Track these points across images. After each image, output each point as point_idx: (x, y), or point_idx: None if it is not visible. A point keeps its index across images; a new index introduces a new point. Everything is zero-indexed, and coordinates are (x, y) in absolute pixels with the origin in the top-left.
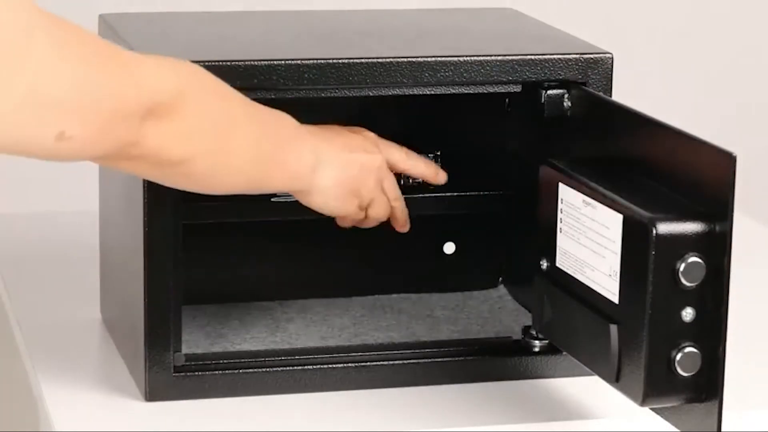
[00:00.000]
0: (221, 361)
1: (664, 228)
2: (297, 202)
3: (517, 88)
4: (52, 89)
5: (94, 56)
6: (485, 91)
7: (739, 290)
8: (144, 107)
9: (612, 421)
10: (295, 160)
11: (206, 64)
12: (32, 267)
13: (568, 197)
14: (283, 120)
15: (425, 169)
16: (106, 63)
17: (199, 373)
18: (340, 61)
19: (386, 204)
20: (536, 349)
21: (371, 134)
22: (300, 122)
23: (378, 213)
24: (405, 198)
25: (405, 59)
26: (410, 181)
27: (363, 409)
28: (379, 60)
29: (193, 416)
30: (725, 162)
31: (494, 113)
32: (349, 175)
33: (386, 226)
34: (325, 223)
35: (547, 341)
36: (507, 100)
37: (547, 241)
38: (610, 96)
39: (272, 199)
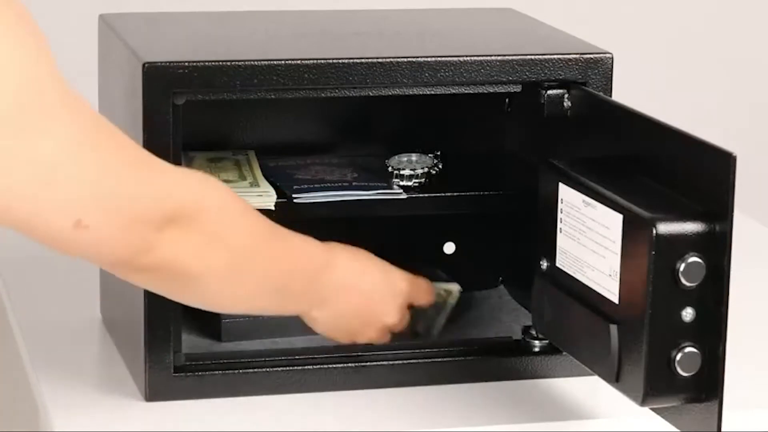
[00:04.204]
0: (221, 361)
1: (664, 228)
2: (298, 204)
3: (517, 88)
4: (73, 173)
5: (118, 151)
6: (485, 91)
7: (739, 290)
8: (164, 215)
9: (612, 421)
10: (303, 294)
11: (206, 64)
12: (32, 267)
13: (568, 197)
14: (304, 251)
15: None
16: (131, 161)
17: (199, 373)
18: (340, 61)
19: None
20: (536, 349)
21: (401, 285)
22: (299, 124)
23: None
24: (405, 198)
25: (405, 59)
26: (412, 181)
27: (363, 409)
28: (379, 60)
29: (193, 416)
30: (725, 162)
31: (494, 113)
32: (347, 322)
33: (386, 225)
34: (325, 223)
35: (547, 341)
36: (507, 100)
37: (547, 241)
38: (610, 96)
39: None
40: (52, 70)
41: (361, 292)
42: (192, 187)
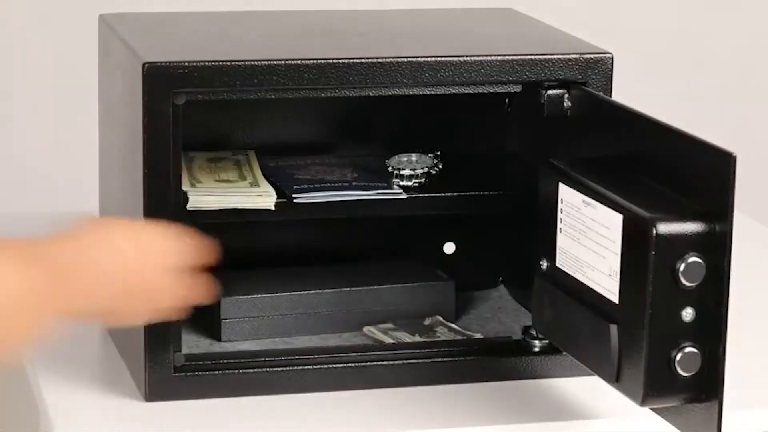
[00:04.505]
0: (221, 361)
1: (664, 228)
2: (298, 204)
3: (517, 88)
4: None
5: None
6: (485, 91)
7: (739, 290)
8: None
9: (612, 421)
10: (32, 322)
11: (207, 64)
12: None
13: (568, 197)
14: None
15: None
16: None
17: (199, 373)
18: (340, 61)
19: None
20: (536, 349)
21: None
22: (299, 124)
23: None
24: (405, 198)
25: (405, 59)
26: (412, 181)
27: (363, 409)
28: (379, 60)
29: (193, 416)
30: (725, 162)
31: (494, 113)
32: (105, 307)
33: (386, 225)
34: (325, 223)
35: (547, 341)
36: (507, 100)
37: (547, 241)
38: (610, 96)
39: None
40: None
41: (97, 279)
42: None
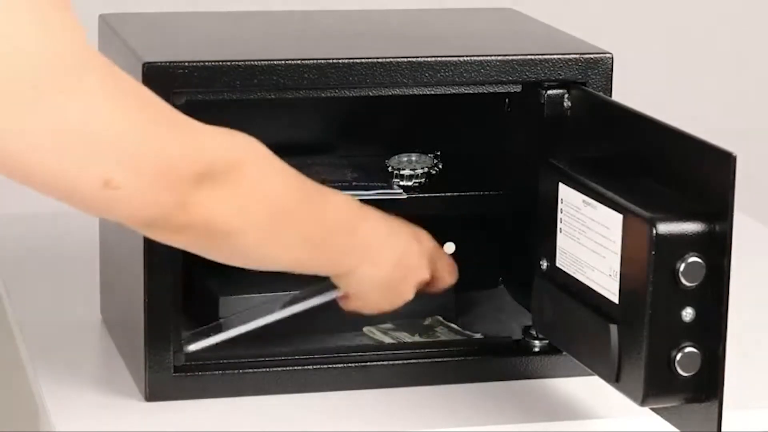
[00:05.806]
0: (221, 361)
1: (664, 228)
2: None
3: (517, 88)
4: (99, 132)
5: (144, 108)
6: (485, 91)
7: (739, 290)
8: (197, 171)
9: (612, 421)
10: (342, 251)
11: (207, 64)
12: (32, 267)
13: (568, 197)
14: (341, 205)
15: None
16: (158, 118)
17: (199, 373)
18: (340, 61)
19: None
20: (536, 349)
21: (429, 244)
22: (299, 124)
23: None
24: (405, 198)
25: (405, 59)
26: (412, 181)
27: (363, 409)
28: (379, 60)
29: (193, 416)
30: (725, 162)
31: (494, 113)
32: (389, 277)
33: None
34: None
35: (547, 341)
36: (507, 100)
37: (547, 241)
38: (610, 96)
39: None
40: (73, 33)
41: (395, 246)
42: (225, 142)
